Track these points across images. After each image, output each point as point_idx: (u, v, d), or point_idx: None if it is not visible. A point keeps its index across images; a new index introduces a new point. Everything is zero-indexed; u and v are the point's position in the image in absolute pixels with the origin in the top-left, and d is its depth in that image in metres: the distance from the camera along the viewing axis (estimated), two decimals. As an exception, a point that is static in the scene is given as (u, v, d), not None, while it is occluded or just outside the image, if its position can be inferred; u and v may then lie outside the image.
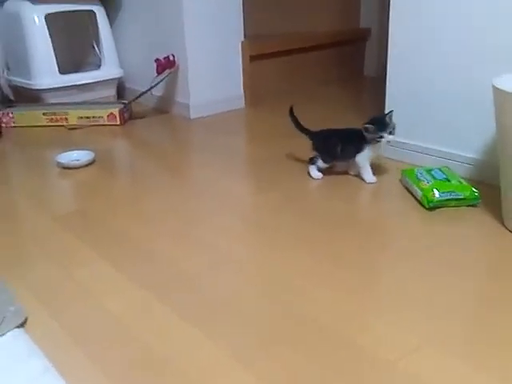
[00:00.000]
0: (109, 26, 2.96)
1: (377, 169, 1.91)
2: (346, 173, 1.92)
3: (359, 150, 1.83)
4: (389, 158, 2.01)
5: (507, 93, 1.33)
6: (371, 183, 1.85)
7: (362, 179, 1.86)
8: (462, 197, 1.60)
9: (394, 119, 1.80)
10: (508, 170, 1.42)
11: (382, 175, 1.90)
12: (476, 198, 1.60)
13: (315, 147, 1.91)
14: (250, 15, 2.89)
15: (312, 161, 1.91)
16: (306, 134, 1.93)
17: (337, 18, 3.42)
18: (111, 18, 3.01)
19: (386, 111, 1.97)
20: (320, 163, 1.90)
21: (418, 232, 1.52)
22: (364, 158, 1.84)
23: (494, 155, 1.50)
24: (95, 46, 3.01)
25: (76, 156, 2.11)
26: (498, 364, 1.00)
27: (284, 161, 2.07)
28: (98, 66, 2.96)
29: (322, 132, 1.92)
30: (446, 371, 0.98)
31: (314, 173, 1.91)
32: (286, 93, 3.07)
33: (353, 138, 1.83)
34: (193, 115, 2.72)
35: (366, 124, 1.78)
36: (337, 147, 1.85)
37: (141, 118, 2.75)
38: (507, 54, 1.62)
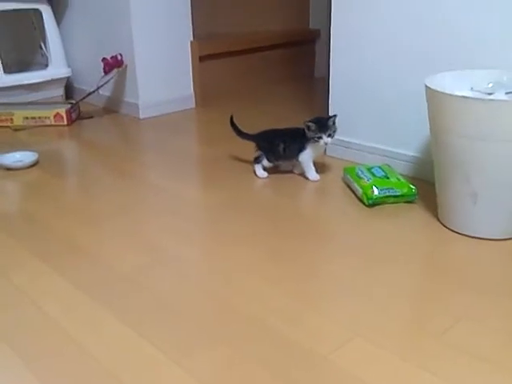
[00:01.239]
0: (56, 25, 2.91)
1: (320, 167, 1.94)
2: (290, 172, 1.94)
3: (301, 148, 1.86)
4: (332, 157, 2.05)
5: (437, 91, 1.37)
6: (314, 181, 1.88)
7: (306, 177, 1.89)
8: (400, 193, 1.64)
9: (338, 119, 1.83)
10: (441, 168, 1.47)
11: (324, 173, 1.93)
12: (413, 195, 1.65)
13: (259, 147, 1.94)
14: (200, 15, 2.89)
15: (257, 160, 1.93)
16: (248, 138, 1.97)
17: (287, 19, 3.45)
18: (58, 16, 2.97)
19: (330, 111, 2.01)
20: (265, 162, 1.92)
21: (356, 228, 1.55)
22: (306, 157, 1.87)
23: (431, 153, 1.55)
24: (42, 46, 2.96)
25: (19, 157, 2.08)
26: (428, 356, 1.03)
27: (232, 161, 2.08)
28: (45, 66, 2.92)
29: (264, 132, 1.95)
30: (377, 364, 1.01)
31: (260, 172, 1.93)
32: (237, 93, 3.09)
33: (295, 138, 1.86)
34: (142, 115, 2.71)
35: (309, 122, 1.81)
36: (279, 147, 1.88)
37: (89, 118, 2.72)
38: (442, 56, 1.67)
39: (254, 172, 1.93)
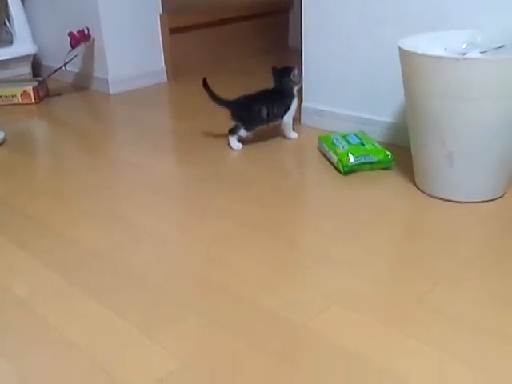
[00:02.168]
0: (20, 1, 2.81)
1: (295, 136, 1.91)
2: (261, 140, 1.90)
3: (287, 109, 1.83)
4: (306, 126, 2.02)
5: (411, 52, 1.34)
6: (295, 138, 1.90)
7: (287, 137, 1.90)
8: (375, 160, 1.62)
9: (312, 87, 1.83)
10: (416, 132, 1.45)
11: (299, 143, 1.90)
12: (389, 161, 1.62)
13: (235, 116, 1.86)
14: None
15: (232, 131, 1.88)
16: (224, 104, 1.88)
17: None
18: (22, -8, 2.87)
19: (304, 80, 1.99)
20: (242, 132, 1.86)
21: (333, 196, 1.53)
22: (290, 116, 1.85)
23: (406, 118, 1.53)
24: (6, 22, 2.86)
25: (-17, 136, 2.01)
26: (409, 320, 1.02)
27: (206, 134, 2.04)
28: (10, 43, 2.82)
29: (240, 99, 1.87)
30: (357, 330, 1.00)
31: (235, 144, 1.88)
32: (209, 66, 3.03)
33: (278, 99, 1.83)
34: (112, 90, 2.64)
35: (287, 68, 1.83)
36: (262, 112, 1.83)
37: (58, 95, 2.64)
38: (415, 18, 1.64)
39: (229, 144, 1.89)
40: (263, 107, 1.83)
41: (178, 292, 1.14)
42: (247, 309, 1.06)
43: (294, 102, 1.87)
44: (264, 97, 1.86)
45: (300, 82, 1.89)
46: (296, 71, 1.84)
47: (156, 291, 1.14)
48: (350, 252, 1.24)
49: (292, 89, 1.88)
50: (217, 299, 1.10)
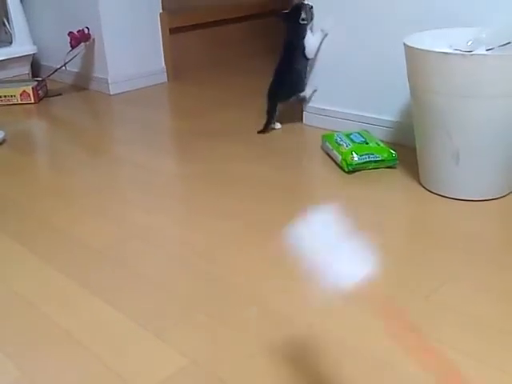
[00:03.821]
0: (19, 1, 2.80)
1: (298, 136, 1.90)
2: (264, 138, 1.89)
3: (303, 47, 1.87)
4: (310, 125, 2.00)
5: (417, 49, 1.33)
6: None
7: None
8: (380, 159, 1.60)
9: (316, 85, 1.82)
10: (421, 129, 1.44)
11: (303, 142, 1.89)
12: (394, 160, 1.61)
13: (287, 97, 1.94)
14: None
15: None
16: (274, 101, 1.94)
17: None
18: (21, -8, 2.86)
19: (307, 80, 1.97)
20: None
21: (337, 195, 1.52)
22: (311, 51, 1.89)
23: (410, 117, 1.52)
24: (5, 22, 2.85)
25: (-16, 136, 1.99)
26: (417, 318, 1.01)
27: (206, 133, 2.02)
28: (9, 43, 2.80)
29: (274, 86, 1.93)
30: (363, 329, 0.98)
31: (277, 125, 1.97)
32: (210, 66, 3.01)
33: (291, 54, 1.89)
34: (112, 91, 2.62)
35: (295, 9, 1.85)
36: (294, 73, 1.90)
37: (57, 95, 2.62)
38: (420, 16, 1.63)
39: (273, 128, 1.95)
40: (291, 69, 1.89)
41: (184, 290, 1.12)
42: (251, 305, 1.05)
43: (308, 38, 1.88)
44: (284, 66, 1.91)
45: (312, 15, 1.87)
46: (303, 12, 1.84)
47: (161, 290, 1.13)
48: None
49: (305, 29, 1.88)
50: (223, 297, 1.08)
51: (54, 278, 1.18)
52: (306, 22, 1.86)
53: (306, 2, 1.86)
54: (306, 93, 1.94)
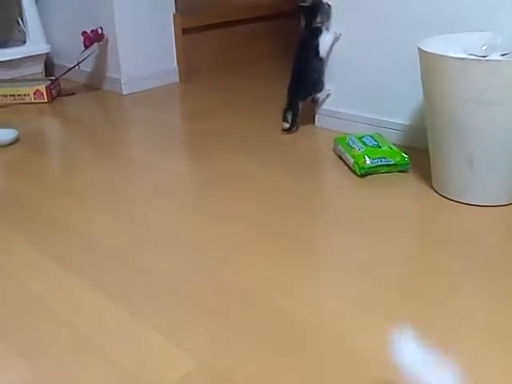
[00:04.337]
0: (33, 1, 2.82)
1: (310, 138, 1.89)
2: (275, 142, 1.89)
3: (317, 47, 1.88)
4: (321, 128, 2.00)
5: (432, 54, 1.32)
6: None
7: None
8: (392, 162, 1.60)
9: (329, 89, 1.87)
10: (435, 135, 1.43)
11: (315, 144, 1.89)
12: (406, 164, 1.61)
13: (307, 96, 1.95)
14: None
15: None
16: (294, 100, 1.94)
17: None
18: (35, -9, 2.88)
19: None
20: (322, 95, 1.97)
21: (349, 199, 1.51)
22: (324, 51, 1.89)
23: (423, 120, 1.51)
24: (20, 21, 2.86)
25: (-3, 134, 2.00)
26: (428, 324, 1.01)
27: (217, 135, 2.02)
28: (23, 42, 2.82)
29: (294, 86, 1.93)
30: (373, 334, 0.98)
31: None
32: (222, 67, 3.01)
33: (306, 55, 1.89)
34: (125, 91, 2.63)
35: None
36: (311, 71, 1.91)
37: (70, 94, 2.64)
38: (434, 20, 1.62)
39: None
40: (309, 68, 1.90)
41: (195, 294, 1.13)
42: (264, 311, 1.05)
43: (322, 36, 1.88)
44: (300, 65, 1.92)
45: (329, 16, 1.87)
46: (325, 6, 1.84)
47: (172, 292, 1.13)
48: (367, 256, 1.23)
49: (320, 30, 1.88)
50: (233, 301, 1.09)
51: (66, 279, 1.18)
52: (320, 25, 1.86)
53: (325, 1, 1.85)
54: (321, 95, 1.94)
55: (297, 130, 1.94)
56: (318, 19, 1.84)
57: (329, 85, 1.94)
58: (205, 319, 1.04)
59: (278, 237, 1.32)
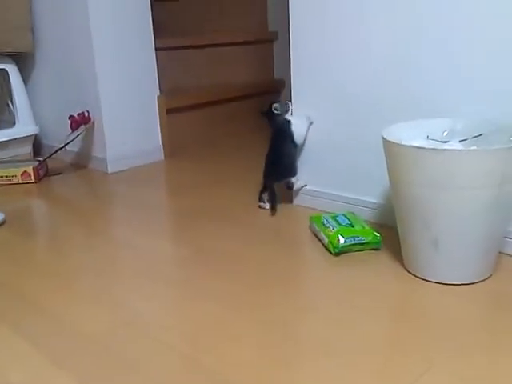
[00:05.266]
0: (22, 84, 2.94)
1: (287, 216, 1.96)
2: (253, 219, 1.96)
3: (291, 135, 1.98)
4: (299, 205, 2.08)
5: (391, 142, 1.41)
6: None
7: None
8: (365, 241, 1.66)
9: (305, 168, 1.94)
10: (401, 216, 1.50)
11: (292, 222, 1.95)
12: (378, 242, 1.67)
13: (282, 179, 2.04)
14: (165, 71, 2.95)
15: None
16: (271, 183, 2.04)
17: (252, 71, 3.54)
18: (25, 75, 3.00)
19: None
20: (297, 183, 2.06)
21: (323, 277, 1.57)
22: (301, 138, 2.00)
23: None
24: (9, 104, 2.97)
25: (-16, 219, 2.06)
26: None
27: (202, 211, 2.09)
28: (13, 124, 2.92)
29: (269, 168, 2.03)
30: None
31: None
32: (205, 144, 3.13)
33: (280, 138, 2.00)
34: (110, 169, 2.71)
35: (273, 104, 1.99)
36: (285, 156, 2.01)
37: (57, 174, 2.72)
38: (402, 103, 1.73)
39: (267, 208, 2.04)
40: (284, 151, 2.00)
41: (173, 381, 1.15)
42: (239, 397, 1.08)
43: (294, 125, 1.99)
44: (276, 147, 2.01)
45: (287, 108, 2.01)
46: (277, 104, 1.99)
47: (150, 381, 1.15)
48: (341, 337, 1.26)
49: (283, 120, 2.00)
50: (209, 387, 1.11)
51: (44, 366, 1.21)
52: (279, 112, 1.99)
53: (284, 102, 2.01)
54: (296, 185, 2.03)
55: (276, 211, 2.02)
56: (275, 105, 1.99)
57: (304, 167, 2.03)
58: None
59: (251, 314, 1.36)
